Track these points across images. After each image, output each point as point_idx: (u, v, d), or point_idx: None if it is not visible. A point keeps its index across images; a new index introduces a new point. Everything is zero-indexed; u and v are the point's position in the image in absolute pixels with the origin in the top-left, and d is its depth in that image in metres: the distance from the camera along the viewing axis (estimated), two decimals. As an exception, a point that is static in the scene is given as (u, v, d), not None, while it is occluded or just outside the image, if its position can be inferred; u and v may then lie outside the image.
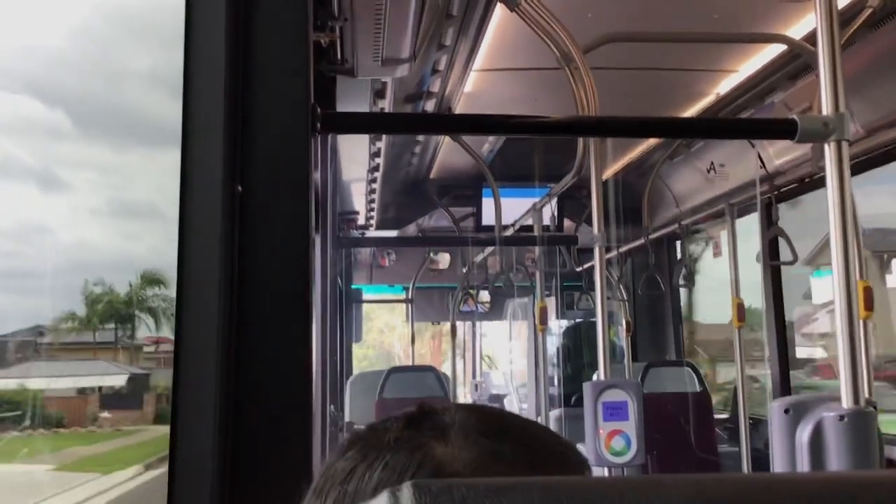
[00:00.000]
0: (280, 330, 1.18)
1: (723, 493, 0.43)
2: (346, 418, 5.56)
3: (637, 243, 5.38)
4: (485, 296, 7.33)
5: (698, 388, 5.27)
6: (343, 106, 2.90)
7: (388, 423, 0.62)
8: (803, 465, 1.53)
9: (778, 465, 1.60)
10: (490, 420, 0.61)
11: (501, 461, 0.57)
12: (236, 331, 1.15)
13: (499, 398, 8.30)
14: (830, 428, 1.51)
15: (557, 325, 6.91)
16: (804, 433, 1.52)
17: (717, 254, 5.97)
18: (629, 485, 0.44)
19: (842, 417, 1.51)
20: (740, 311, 4.09)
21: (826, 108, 1.66)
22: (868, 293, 2.78)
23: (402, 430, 0.60)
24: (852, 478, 0.49)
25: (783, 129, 1.68)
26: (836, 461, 1.50)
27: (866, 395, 1.59)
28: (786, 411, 1.56)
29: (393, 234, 6.61)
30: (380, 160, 4.55)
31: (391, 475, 0.56)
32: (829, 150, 1.64)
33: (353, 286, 7.59)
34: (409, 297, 7.71)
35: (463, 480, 0.43)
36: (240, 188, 1.19)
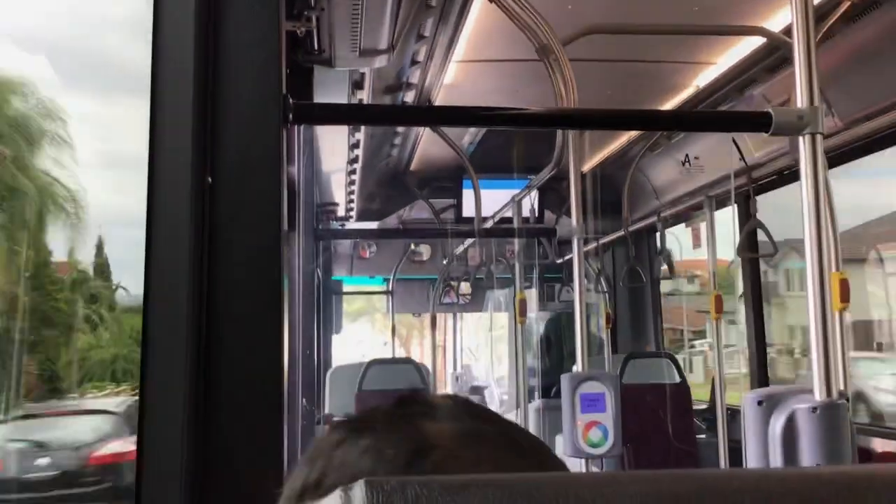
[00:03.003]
0: (250, 323, 1.17)
1: (680, 489, 0.42)
2: (326, 410, 5.55)
3: (617, 235, 5.39)
4: (465, 287, 7.33)
5: (677, 380, 5.30)
6: (321, 97, 2.88)
7: (378, 406, 0.64)
8: (776, 457, 1.53)
9: (751, 456, 1.61)
10: (474, 405, 0.64)
11: (485, 439, 0.59)
12: (205, 324, 1.13)
13: (479, 390, 8.32)
14: (803, 419, 1.52)
15: (538, 317, 6.93)
16: (777, 425, 1.53)
17: (696, 245, 5.99)
18: (585, 482, 0.43)
19: (814, 409, 1.51)
20: (718, 302, 4.11)
21: (801, 101, 1.67)
22: (843, 285, 2.80)
23: (392, 409, 0.62)
24: (809, 473, 0.48)
25: (758, 122, 1.68)
26: (808, 453, 1.51)
27: (840, 387, 1.60)
28: (759, 403, 1.57)
29: (373, 225, 6.59)
30: (359, 151, 4.53)
31: (377, 443, 0.58)
32: (803, 143, 1.64)
33: (334, 278, 7.56)
34: (390, 288, 7.70)
35: (417, 479, 0.42)
36: (210, 179, 1.17)
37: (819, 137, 1.63)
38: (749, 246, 4.29)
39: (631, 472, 0.47)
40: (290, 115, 1.30)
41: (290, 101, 1.29)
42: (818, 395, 1.54)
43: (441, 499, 0.40)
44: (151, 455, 1.10)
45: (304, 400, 3.28)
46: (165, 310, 1.11)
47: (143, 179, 1.14)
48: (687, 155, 4.79)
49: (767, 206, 4.26)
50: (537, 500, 0.40)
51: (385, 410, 0.62)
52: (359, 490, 0.40)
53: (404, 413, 0.61)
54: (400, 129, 4.68)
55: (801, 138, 1.64)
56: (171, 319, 1.11)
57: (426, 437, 0.58)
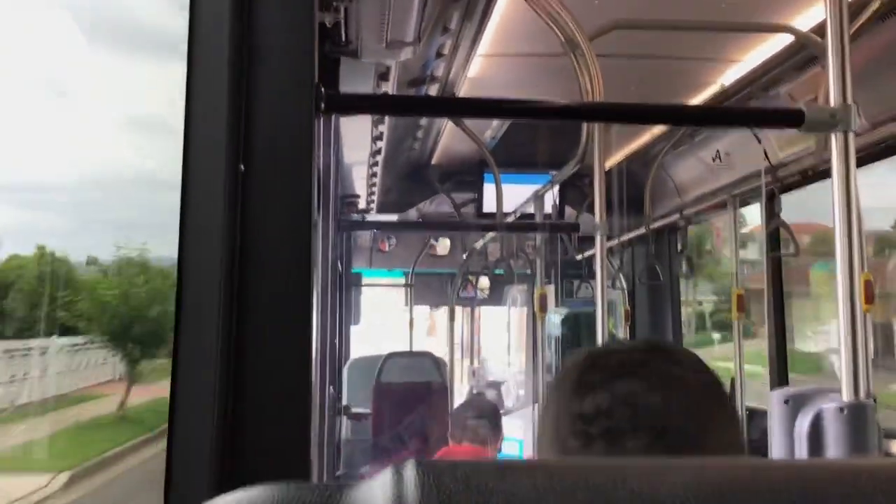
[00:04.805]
0: (281, 311, 1.17)
1: (722, 476, 0.42)
2: (344, 401, 5.57)
3: (638, 233, 5.37)
4: (484, 282, 7.33)
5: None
6: (346, 88, 2.89)
7: (618, 351, 0.88)
8: (802, 456, 1.53)
9: (776, 455, 1.60)
10: (676, 351, 0.90)
11: (713, 390, 0.87)
12: (237, 312, 1.14)
13: (496, 384, 8.32)
14: (830, 419, 1.51)
15: (556, 313, 6.92)
16: (803, 424, 1.52)
17: (717, 243, 5.97)
18: (631, 468, 0.43)
19: (842, 409, 1.50)
20: (740, 301, 4.09)
21: (833, 99, 1.65)
22: (869, 286, 2.77)
23: (643, 355, 0.85)
24: (851, 464, 0.48)
25: (790, 119, 1.67)
26: (834, 453, 1.50)
27: (867, 387, 1.59)
28: (785, 402, 1.56)
29: (393, 218, 6.60)
30: (382, 144, 4.53)
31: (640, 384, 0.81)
32: (834, 142, 1.63)
33: (353, 270, 7.58)
34: (409, 281, 7.71)
35: (467, 462, 0.42)
36: (242, 167, 1.18)
37: (851, 136, 1.62)
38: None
39: (675, 459, 0.47)
40: (322, 105, 1.31)
41: (322, 90, 1.30)
42: (846, 395, 1.53)
43: (489, 481, 0.40)
44: (181, 442, 1.11)
45: (331, 388, 3.30)
46: (198, 297, 1.12)
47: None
48: (718, 151, 4.76)
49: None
50: (589, 485, 0.40)
51: (637, 358, 0.84)
52: (410, 470, 0.41)
53: (654, 360, 0.84)
54: (423, 122, 4.68)
55: (832, 136, 1.63)
56: (204, 307, 1.12)
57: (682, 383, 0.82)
